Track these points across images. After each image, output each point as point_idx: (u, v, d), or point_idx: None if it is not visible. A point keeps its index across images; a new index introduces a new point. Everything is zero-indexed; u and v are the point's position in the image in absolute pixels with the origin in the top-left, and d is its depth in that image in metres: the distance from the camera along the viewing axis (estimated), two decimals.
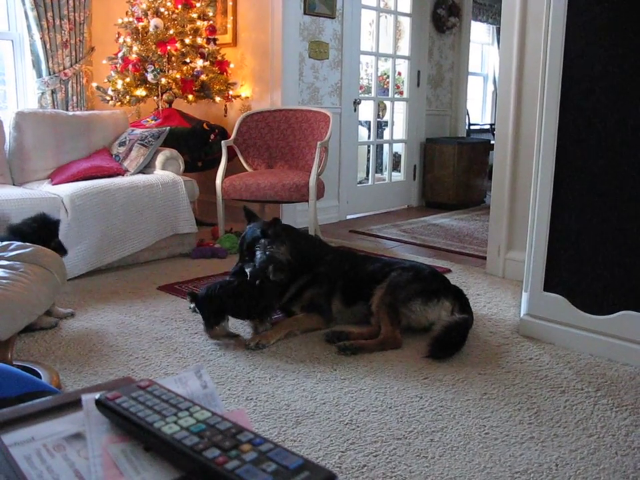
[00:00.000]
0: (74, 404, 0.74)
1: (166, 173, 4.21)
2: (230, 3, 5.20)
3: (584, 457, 1.85)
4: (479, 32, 9.38)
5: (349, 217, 5.95)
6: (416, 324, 2.78)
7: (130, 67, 4.74)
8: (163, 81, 4.71)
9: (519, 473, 1.77)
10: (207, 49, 4.88)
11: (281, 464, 0.58)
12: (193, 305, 2.95)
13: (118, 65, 4.88)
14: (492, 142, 5.63)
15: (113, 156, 4.35)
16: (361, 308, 2.90)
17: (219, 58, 4.97)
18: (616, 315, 2.54)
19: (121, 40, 4.89)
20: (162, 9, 4.76)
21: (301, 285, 2.93)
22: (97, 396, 0.70)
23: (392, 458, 1.83)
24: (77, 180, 3.93)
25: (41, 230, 2.92)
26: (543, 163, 2.67)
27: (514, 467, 1.80)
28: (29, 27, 5.09)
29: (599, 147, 2.51)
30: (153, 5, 4.77)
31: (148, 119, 4.85)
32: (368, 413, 2.10)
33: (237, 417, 0.68)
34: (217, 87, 4.90)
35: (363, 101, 6.07)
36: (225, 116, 5.25)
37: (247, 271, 2.82)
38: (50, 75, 5.21)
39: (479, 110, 9.82)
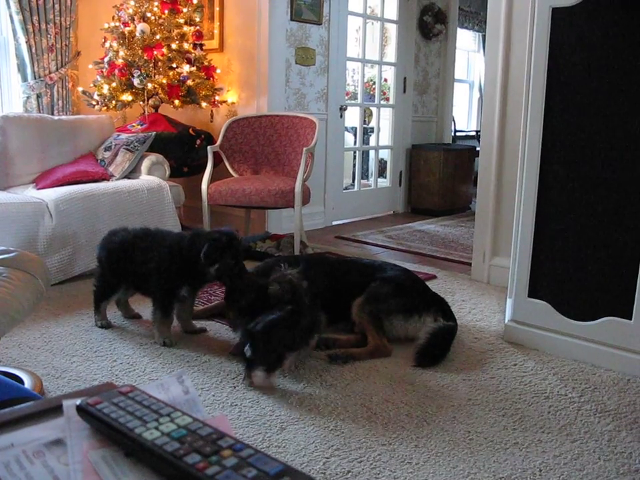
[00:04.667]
0: (55, 410, 0.73)
1: (152, 178, 4.20)
2: (217, 9, 5.20)
3: (567, 463, 1.86)
4: (465, 39, 9.44)
5: (334, 222, 5.96)
6: (394, 338, 2.76)
7: (116, 71, 4.72)
8: (149, 85, 4.69)
9: (503, 479, 1.77)
10: (193, 54, 4.87)
11: (262, 469, 0.58)
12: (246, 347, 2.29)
13: (104, 70, 4.85)
14: (477, 148, 5.67)
15: (99, 161, 4.33)
16: (345, 326, 2.86)
17: (206, 63, 4.97)
18: (600, 321, 2.55)
19: (107, 44, 4.87)
20: (148, 14, 4.74)
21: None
22: (78, 402, 0.70)
23: (376, 464, 1.83)
24: (62, 185, 3.90)
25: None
26: (527, 170, 2.69)
27: (498, 472, 1.80)
28: (14, 30, 5.06)
29: (583, 155, 2.53)
30: (139, 10, 4.76)
31: (134, 124, 4.84)
32: (353, 419, 2.10)
33: (218, 422, 0.68)
34: (203, 92, 4.89)
35: (349, 107, 6.08)
36: (211, 121, 5.24)
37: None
38: (35, 79, 5.18)
39: (464, 116, 9.87)
